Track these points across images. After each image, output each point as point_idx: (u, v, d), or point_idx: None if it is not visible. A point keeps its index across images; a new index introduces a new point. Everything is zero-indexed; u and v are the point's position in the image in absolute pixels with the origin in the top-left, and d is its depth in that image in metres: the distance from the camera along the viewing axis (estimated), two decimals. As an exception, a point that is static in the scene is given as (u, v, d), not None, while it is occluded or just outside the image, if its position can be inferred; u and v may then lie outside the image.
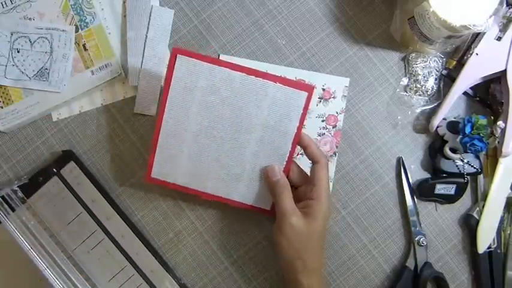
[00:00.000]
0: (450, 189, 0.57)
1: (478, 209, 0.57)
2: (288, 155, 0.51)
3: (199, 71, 0.49)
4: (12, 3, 0.58)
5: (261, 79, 0.49)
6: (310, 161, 0.51)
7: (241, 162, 0.52)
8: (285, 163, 0.52)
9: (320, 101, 0.59)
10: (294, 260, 0.48)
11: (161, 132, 0.52)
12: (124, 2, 0.60)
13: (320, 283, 0.49)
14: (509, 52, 0.55)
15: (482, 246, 0.56)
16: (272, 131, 0.51)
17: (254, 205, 0.54)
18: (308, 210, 0.48)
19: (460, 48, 0.58)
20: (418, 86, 0.59)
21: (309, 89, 0.49)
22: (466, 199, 0.58)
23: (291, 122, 0.50)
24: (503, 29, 0.55)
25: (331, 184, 0.59)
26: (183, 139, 0.52)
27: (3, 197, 0.54)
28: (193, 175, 0.53)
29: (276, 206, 0.49)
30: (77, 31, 0.59)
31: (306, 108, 0.50)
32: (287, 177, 0.51)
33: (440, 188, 0.57)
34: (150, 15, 0.59)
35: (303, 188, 0.52)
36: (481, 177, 0.58)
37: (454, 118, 0.57)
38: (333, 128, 0.59)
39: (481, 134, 0.53)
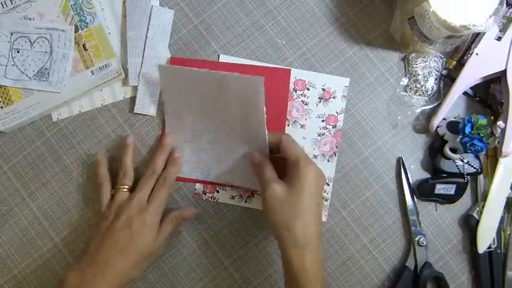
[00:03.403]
0: (450, 189, 0.57)
1: (478, 209, 0.57)
2: (266, 137, 0.53)
3: (176, 73, 0.55)
4: (12, 3, 0.58)
5: (220, 72, 0.52)
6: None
7: (233, 149, 0.56)
8: (267, 143, 0.54)
9: (320, 101, 0.59)
10: (281, 231, 0.46)
11: (166, 130, 0.58)
12: (124, 2, 0.60)
13: (314, 259, 0.46)
14: (509, 52, 0.55)
15: (482, 246, 0.56)
16: (247, 118, 0.53)
17: (253, 188, 0.58)
18: (290, 179, 0.47)
19: (460, 48, 0.58)
20: (418, 86, 0.59)
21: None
22: (466, 199, 0.58)
23: (258, 105, 0.51)
24: (503, 29, 0.55)
25: (331, 184, 0.59)
26: (183, 135, 0.57)
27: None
28: (196, 167, 0.58)
29: (260, 181, 0.50)
30: (77, 31, 0.59)
31: (264, 92, 0.51)
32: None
33: (440, 188, 0.57)
34: (150, 15, 0.59)
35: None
36: (481, 177, 0.58)
37: (454, 118, 0.57)
38: (333, 128, 0.59)
39: (481, 134, 0.53)
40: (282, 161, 0.52)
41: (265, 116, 0.52)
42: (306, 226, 0.46)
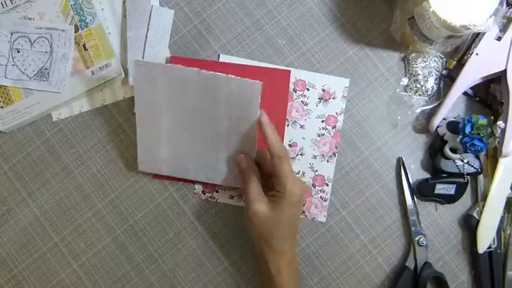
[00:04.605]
0: (450, 189, 0.57)
1: (478, 209, 0.57)
2: (256, 141, 0.53)
3: (157, 71, 0.51)
4: (12, 3, 0.58)
5: (213, 72, 0.50)
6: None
7: (215, 148, 0.55)
8: (255, 149, 0.53)
9: (320, 101, 0.59)
10: (261, 243, 0.51)
11: (138, 128, 0.56)
12: (124, 2, 0.60)
13: (289, 265, 0.52)
14: (509, 52, 0.55)
15: (482, 246, 0.56)
16: (236, 120, 0.52)
17: (233, 185, 0.57)
18: (274, 199, 0.50)
19: (460, 48, 0.58)
20: (418, 86, 0.59)
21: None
22: (466, 199, 0.58)
23: (253, 110, 0.51)
24: (503, 29, 0.55)
25: (330, 184, 0.59)
26: (158, 133, 0.55)
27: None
28: (174, 164, 0.57)
29: (245, 192, 0.52)
30: (77, 31, 0.59)
31: (260, 97, 0.50)
32: (259, 166, 0.54)
33: (440, 188, 0.57)
34: (150, 15, 0.59)
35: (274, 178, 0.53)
36: (481, 177, 0.58)
37: (454, 118, 0.57)
38: (333, 128, 0.59)
39: (481, 134, 0.53)
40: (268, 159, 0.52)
41: (258, 120, 0.51)
42: (283, 237, 0.51)
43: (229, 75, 0.50)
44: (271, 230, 0.50)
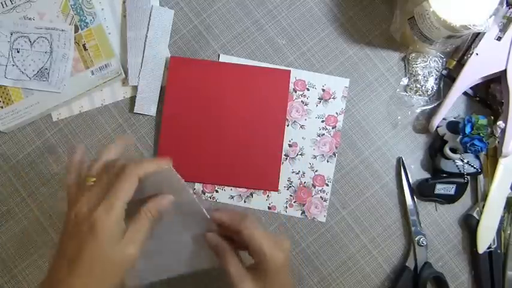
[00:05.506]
0: (450, 189, 0.57)
1: (478, 209, 0.57)
2: (210, 219, 0.45)
3: None
4: (12, 3, 0.58)
5: None
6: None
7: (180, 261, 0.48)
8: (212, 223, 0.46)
9: (320, 101, 0.59)
10: None
11: None
12: (124, 2, 0.60)
13: None
14: (509, 52, 0.55)
15: (482, 246, 0.56)
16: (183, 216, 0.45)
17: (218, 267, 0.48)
18: (258, 272, 0.43)
19: (460, 48, 0.58)
20: (418, 86, 0.59)
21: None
22: (466, 199, 0.58)
23: (182, 192, 0.44)
24: (503, 29, 0.55)
25: (330, 184, 0.59)
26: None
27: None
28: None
29: (226, 272, 0.44)
30: (77, 31, 0.59)
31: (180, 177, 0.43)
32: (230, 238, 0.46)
33: (440, 188, 0.57)
34: (150, 15, 0.59)
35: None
36: (481, 177, 0.58)
37: (454, 118, 0.57)
38: (333, 128, 0.59)
39: (481, 134, 0.53)
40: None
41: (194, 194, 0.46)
42: None
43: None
44: None
